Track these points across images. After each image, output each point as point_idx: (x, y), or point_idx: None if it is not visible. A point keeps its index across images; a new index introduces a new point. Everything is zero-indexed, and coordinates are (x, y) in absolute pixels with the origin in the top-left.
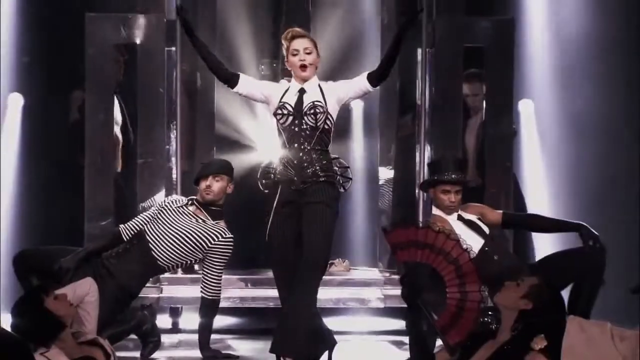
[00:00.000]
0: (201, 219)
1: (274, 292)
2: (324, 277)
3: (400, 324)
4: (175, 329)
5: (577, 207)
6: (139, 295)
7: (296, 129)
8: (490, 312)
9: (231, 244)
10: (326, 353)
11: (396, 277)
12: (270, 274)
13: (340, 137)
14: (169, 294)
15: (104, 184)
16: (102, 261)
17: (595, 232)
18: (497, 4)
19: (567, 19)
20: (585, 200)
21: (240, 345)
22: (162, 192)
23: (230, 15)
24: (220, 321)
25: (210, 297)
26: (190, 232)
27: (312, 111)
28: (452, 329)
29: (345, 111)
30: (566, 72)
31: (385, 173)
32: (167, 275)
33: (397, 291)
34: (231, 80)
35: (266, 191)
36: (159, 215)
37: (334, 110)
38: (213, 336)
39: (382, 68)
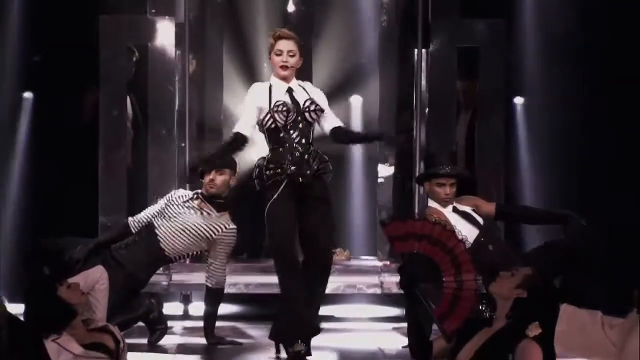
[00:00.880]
0: (206, 211)
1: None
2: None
3: (398, 312)
4: (186, 316)
5: (567, 200)
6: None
7: (299, 125)
8: (485, 301)
9: (235, 235)
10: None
11: (389, 263)
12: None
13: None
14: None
15: (117, 178)
16: (111, 252)
17: (585, 223)
18: (490, 6)
19: (557, 19)
20: (574, 192)
21: (249, 332)
22: (173, 186)
23: (237, 18)
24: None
25: (215, 287)
26: (196, 224)
27: (311, 107)
28: (449, 317)
29: (345, 107)
30: (557, 71)
31: (384, 168)
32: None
33: (393, 278)
34: (244, 140)
35: (258, 188)
36: (165, 209)
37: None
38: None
39: (338, 140)
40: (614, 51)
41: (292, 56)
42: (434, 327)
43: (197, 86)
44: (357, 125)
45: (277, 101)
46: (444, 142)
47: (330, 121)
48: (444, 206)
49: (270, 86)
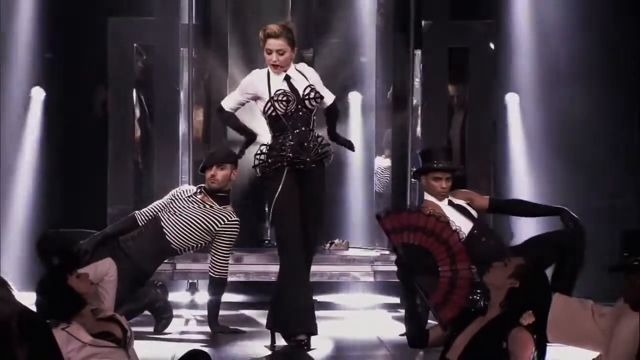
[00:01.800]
0: (208, 204)
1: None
2: (322, 255)
3: (396, 300)
4: (193, 304)
5: (558, 193)
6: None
7: (300, 113)
8: (479, 290)
9: (237, 226)
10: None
11: (387, 253)
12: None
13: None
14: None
15: (125, 172)
16: (118, 244)
17: (575, 216)
18: (483, 7)
19: (549, 19)
20: (565, 186)
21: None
22: (177, 179)
23: (240, 17)
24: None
25: (218, 276)
26: (199, 217)
27: (311, 95)
28: (444, 306)
29: (344, 103)
30: (549, 68)
31: (381, 159)
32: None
33: (386, 267)
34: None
35: (261, 175)
36: (171, 203)
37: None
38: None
39: (328, 120)
40: (606, 50)
41: (281, 54)
42: (431, 315)
43: (202, 85)
44: (356, 121)
45: (277, 90)
46: (436, 138)
47: (326, 98)
48: (440, 200)
49: (269, 73)
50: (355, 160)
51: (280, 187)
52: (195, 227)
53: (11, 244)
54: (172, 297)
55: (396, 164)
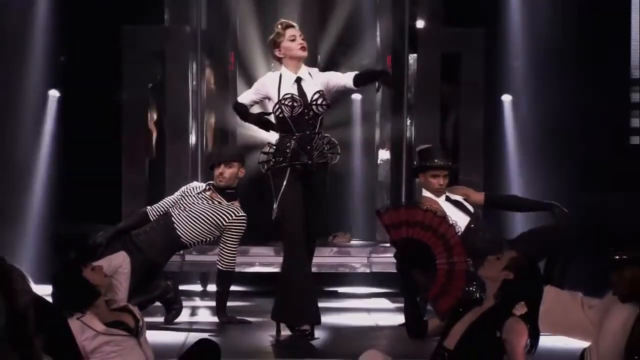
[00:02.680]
0: (217, 201)
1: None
2: (324, 246)
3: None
4: (204, 293)
5: (549, 189)
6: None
7: (305, 117)
8: (475, 282)
9: (244, 221)
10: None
11: (386, 245)
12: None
13: (343, 125)
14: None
15: (138, 170)
16: (131, 238)
17: (566, 211)
18: (474, 15)
19: (541, 23)
20: (556, 182)
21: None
22: (188, 176)
23: (246, 20)
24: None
25: (225, 269)
26: (208, 212)
27: (319, 101)
28: (442, 297)
29: (346, 104)
30: (541, 70)
31: (382, 152)
32: None
33: (382, 259)
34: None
35: (264, 172)
36: (181, 199)
37: (327, 97)
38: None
39: (364, 79)
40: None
41: (303, 38)
42: (429, 307)
43: (211, 87)
44: (358, 119)
45: (285, 94)
46: (430, 137)
47: (347, 77)
48: (438, 196)
49: (280, 76)
50: (357, 155)
51: (284, 183)
52: (205, 222)
53: (29, 238)
54: (183, 288)
55: (393, 158)
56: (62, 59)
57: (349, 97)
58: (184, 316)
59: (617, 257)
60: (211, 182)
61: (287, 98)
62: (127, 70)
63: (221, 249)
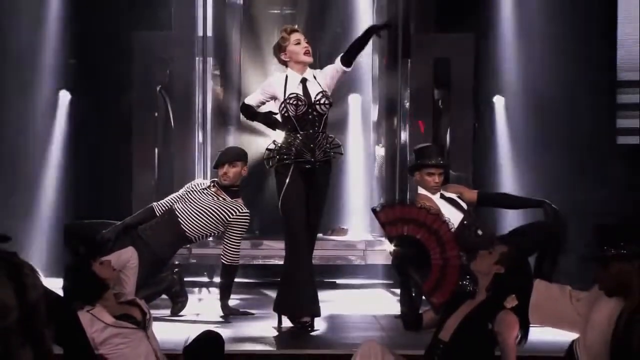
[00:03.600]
0: (221, 197)
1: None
2: (323, 240)
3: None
4: (211, 284)
5: (541, 187)
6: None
7: (309, 116)
8: (468, 276)
9: (247, 218)
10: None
11: (381, 239)
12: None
13: (342, 125)
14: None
15: (148, 168)
16: (138, 233)
17: (556, 208)
18: (464, 22)
19: (533, 26)
20: (548, 181)
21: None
22: (194, 174)
23: (251, 26)
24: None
25: (229, 263)
26: (213, 208)
27: (322, 101)
28: (436, 291)
29: (344, 104)
30: (532, 71)
31: (379, 150)
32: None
33: (377, 253)
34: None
35: (268, 168)
36: (186, 195)
37: (331, 91)
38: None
39: (350, 53)
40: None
41: (308, 43)
42: (424, 300)
43: (217, 90)
44: (356, 119)
45: (290, 94)
46: (422, 137)
47: (336, 63)
48: (433, 193)
49: (286, 77)
50: (355, 153)
51: (288, 180)
52: (209, 218)
53: (40, 234)
54: (189, 279)
55: (388, 157)
56: (72, 61)
57: (346, 97)
58: (189, 308)
59: (604, 253)
60: (215, 179)
61: (292, 97)
62: (137, 75)
63: (225, 244)
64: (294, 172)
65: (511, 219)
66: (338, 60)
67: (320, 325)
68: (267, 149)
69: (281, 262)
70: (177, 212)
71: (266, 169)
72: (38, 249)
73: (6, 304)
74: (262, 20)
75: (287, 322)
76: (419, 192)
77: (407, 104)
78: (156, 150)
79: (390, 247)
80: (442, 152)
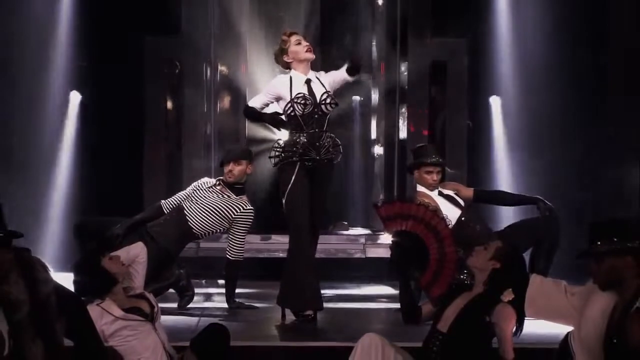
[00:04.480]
0: (226, 195)
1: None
2: (324, 234)
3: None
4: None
5: (535, 184)
6: None
7: (315, 116)
8: (465, 270)
9: (252, 214)
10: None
11: (381, 233)
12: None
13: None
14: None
15: (159, 166)
16: (146, 229)
17: (550, 204)
18: (459, 27)
19: (529, 30)
20: (542, 178)
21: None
22: (202, 172)
23: (256, 30)
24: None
25: (234, 259)
26: (218, 205)
27: (328, 100)
28: (434, 284)
29: (346, 106)
30: (527, 72)
31: (378, 149)
32: None
33: (376, 247)
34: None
35: (274, 166)
36: (193, 193)
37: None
38: None
39: (352, 70)
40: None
41: (307, 42)
42: (422, 293)
43: (224, 91)
44: (355, 121)
45: (297, 93)
46: (419, 136)
47: (342, 71)
48: (431, 190)
49: (291, 78)
50: (355, 151)
51: (293, 178)
52: (215, 215)
53: (52, 230)
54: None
55: (387, 154)
56: (83, 63)
57: (349, 98)
58: (196, 302)
59: (597, 248)
60: (221, 177)
61: (299, 97)
62: (148, 77)
63: (230, 240)
64: (299, 170)
65: (506, 216)
66: (344, 69)
67: (322, 319)
68: (272, 147)
69: (284, 256)
70: (184, 210)
71: (270, 167)
72: (50, 244)
73: (18, 298)
74: (267, 23)
75: (290, 316)
76: (417, 189)
77: (405, 105)
78: (166, 149)
79: (390, 241)
80: (440, 151)
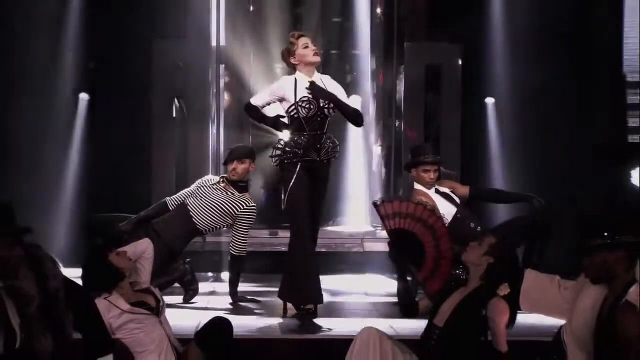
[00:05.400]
0: (230, 192)
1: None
2: (323, 230)
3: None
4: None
5: (529, 182)
6: None
7: (318, 118)
8: (461, 266)
9: (254, 211)
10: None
11: (377, 229)
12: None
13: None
14: None
15: (166, 166)
16: (152, 225)
17: (543, 202)
18: (452, 32)
19: (522, 33)
20: (535, 176)
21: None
22: (207, 170)
23: (262, 34)
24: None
25: (237, 254)
26: (222, 202)
27: (330, 105)
28: (431, 280)
29: None
30: (521, 75)
31: (375, 148)
32: None
33: (374, 243)
34: (256, 108)
35: (275, 165)
36: (197, 190)
37: None
38: None
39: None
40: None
41: (315, 45)
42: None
43: (228, 93)
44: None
45: (302, 96)
46: (415, 136)
47: (343, 93)
48: (428, 188)
49: (296, 80)
50: (355, 150)
51: (294, 177)
52: (218, 211)
53: (61, 226)
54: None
55: (385, 154)
56: (91, 65)
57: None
58: (200, 296)
59: (589, 243)
60: (225, 175)
61: (304, 100)
62: (156, 79)
63: (233, 236)
64: (300, 169)
65: (502, 213)
66: (350, 99)
67: (322, 312)
68: (274, 147)
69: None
70: (188, 206)
71: (272, 166)
72: (59, 240)
73: (28, 293)
74: (271, 26)
75: (291, 310)
76: (415, 187)
77: (402, 106)
78: (173, 148)
79: (388, 238)
80: (437, 150)
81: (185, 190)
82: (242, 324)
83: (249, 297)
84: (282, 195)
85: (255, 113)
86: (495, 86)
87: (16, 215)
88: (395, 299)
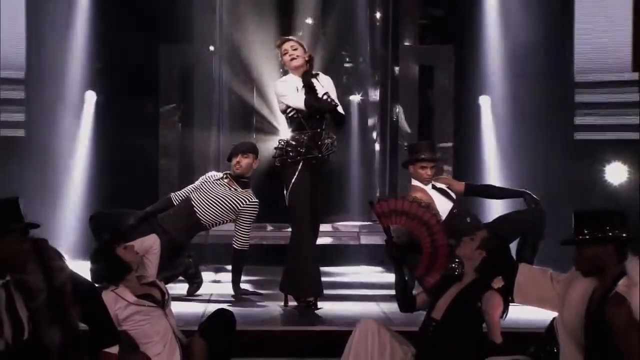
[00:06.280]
0: (233, 188)
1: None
2: (323, 224)
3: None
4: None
5: (523, 179)
6: None
7: (317, 116)
8: (457, 260)
9: (257, 206)
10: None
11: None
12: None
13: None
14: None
15: (171, 162)
16: (157, 220)
17: (537, 197)
18: (445, 35)
19: (517, 34)
20: (529, 174)
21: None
22: (210, 167)
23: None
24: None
25: (240, 248)
26: (225, 198)
27: (328, 101)
28: (427, 275)
29: (345, 105)
30: (516, 74)
31: (375, 146)
32: None
33: (370, 238)
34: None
35: (277, 164)
36: (201, 186)
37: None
38: None
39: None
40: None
41: (295, 49)
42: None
43: (232, 96)
44: (355, 117)
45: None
46: (410, 134)
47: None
48: (425, 184)
49: (291, 81)
50: (353, 148)
51: (296, 175)
52: (222, 206)
53: (69, 221)
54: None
55: (381, 150)
56: (98, 66)
57: (347, 99)
58: (204, 289)
59: (580, 237)
60: (228, 171)
61: None
62: (163, 82)
63: (236, 231)
64: (302, 166)
65: (496, 208)
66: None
67: (323, 304)
68: (275, 147)
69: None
70: (192, 202)
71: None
72: (67, 235)
73: (36, 286)
74: (273, 28)
75: (292, 302)
76: (412, 183)
77: (397, 105)
78: (179, 147)
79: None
80: (433, 148)
81: (190, 186)
82: (245, 315)
83: (251, 290)
84: (284, 192)
85: (314, 100)
86: (488, 86)
87: (26, 209)
88: (393, 292)
